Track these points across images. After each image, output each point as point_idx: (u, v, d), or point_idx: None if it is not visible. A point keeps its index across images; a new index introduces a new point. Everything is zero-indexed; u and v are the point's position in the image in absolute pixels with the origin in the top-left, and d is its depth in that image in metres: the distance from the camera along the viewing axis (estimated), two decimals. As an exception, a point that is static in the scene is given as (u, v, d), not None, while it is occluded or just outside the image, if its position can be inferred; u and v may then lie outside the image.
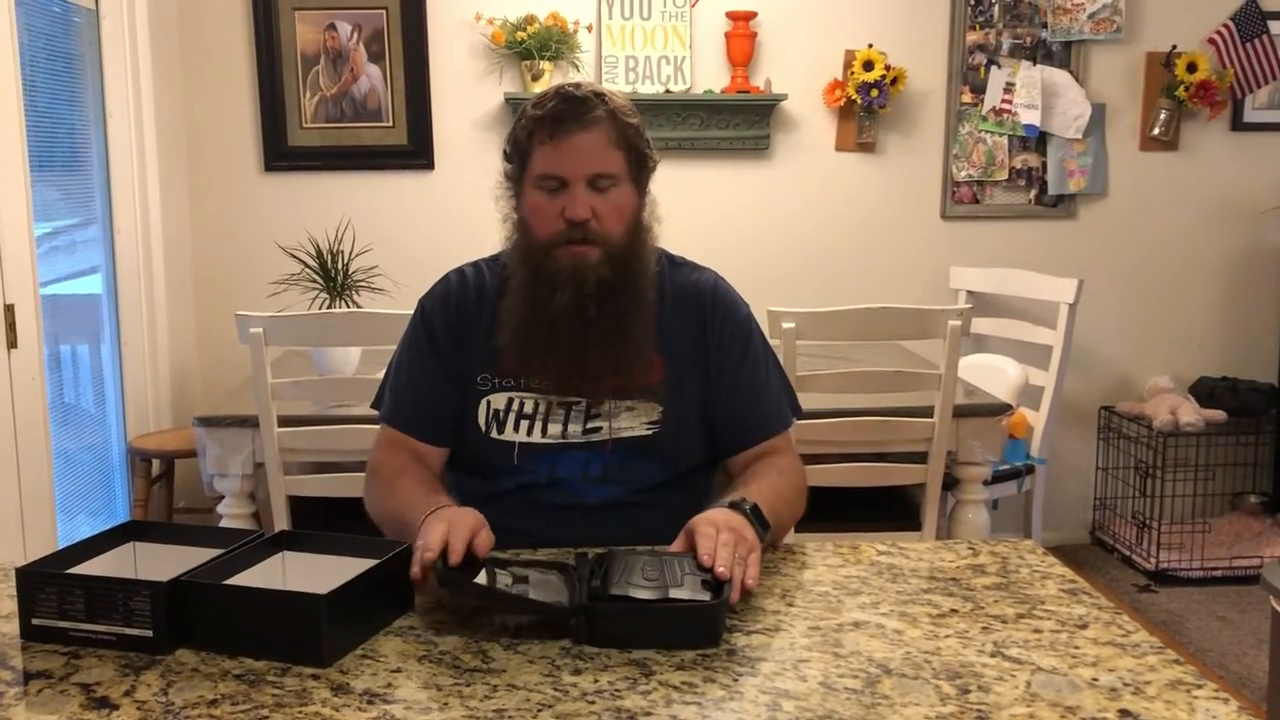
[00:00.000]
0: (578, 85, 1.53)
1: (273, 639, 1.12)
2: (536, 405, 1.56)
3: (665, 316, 1.58)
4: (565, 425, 1.55)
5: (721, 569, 1.23)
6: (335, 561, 1.28)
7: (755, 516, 1.37)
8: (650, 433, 1.56)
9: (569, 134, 1.48)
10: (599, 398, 1.55)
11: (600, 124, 1.49)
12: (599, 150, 1.49)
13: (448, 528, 1.26)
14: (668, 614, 1.19)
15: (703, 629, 1.17)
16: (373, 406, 1.70)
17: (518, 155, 1.54)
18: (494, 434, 1.57)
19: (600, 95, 1.51)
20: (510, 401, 1.57)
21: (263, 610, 1.14)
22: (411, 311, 1.67)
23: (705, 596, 1.21)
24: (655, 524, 1.45)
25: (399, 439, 1.60)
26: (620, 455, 1.55)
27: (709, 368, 1.60)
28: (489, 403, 1.57)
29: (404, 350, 1.65)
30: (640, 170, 1.55)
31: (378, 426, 1.65)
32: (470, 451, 1.60)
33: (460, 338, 1.59)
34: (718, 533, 1.29)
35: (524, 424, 1.56)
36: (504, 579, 1.26)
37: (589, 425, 1.55)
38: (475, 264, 1.66)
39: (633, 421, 1.56)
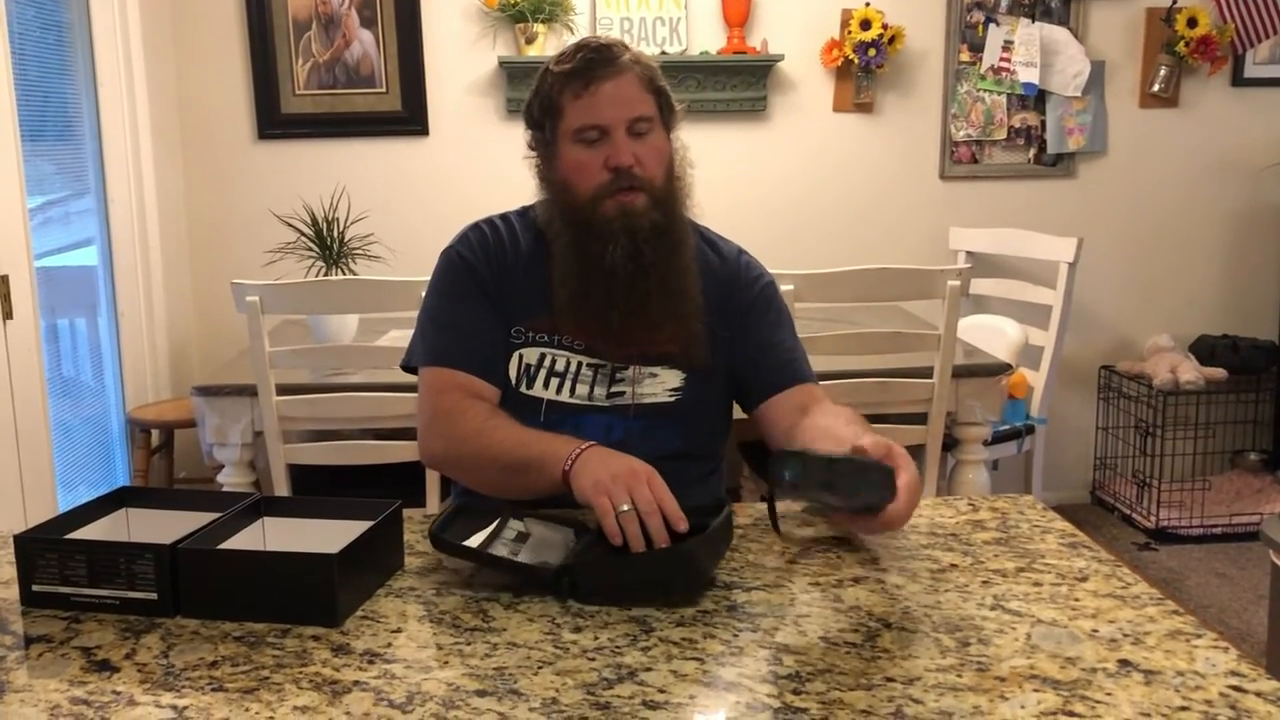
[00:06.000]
0: (596, 37, 1.55)
1: (282, 600, 1.12)
2: (568, 364, 1.55)
3: None
4: (591, 388, 1.54)
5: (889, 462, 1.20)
6: (315, 525, 1.28)
7: None
8: (673, 399, 1.56)
9: (602, 81, 1.48)
10: (630, 362, 1.53)
11: (630, 69, 1.50)
12: (634, 94, 1.50)
13: (645, 488, 1.23)
14: (645, 561, 1.19)
15: (683, 572, 1.17)
16: (405, 364, 1.62)
17: (548, 116, 1.53)
18: (523, 388, 1.55)
19: (622, 43, 1.53)
20: (543, 357, 1.55)
21: (272, 572, 1.14)
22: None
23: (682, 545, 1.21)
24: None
25: (456, 380, 1.52)
26: (642, 421, 1.54)
27: (732, 330, 1.60)
28: (521, 356, 1.56)
29: (442, 297, 1.59)
30: (669, 114, 1.56)
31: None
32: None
33: (500, 285, 1.57)
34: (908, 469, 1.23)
35: (554, 381, 1.55)
36: (509, 533, 1.27)
37: (613, 389, 1.55)
38: (502, 216, 1.64)
39: (655, 388, 1.55)
